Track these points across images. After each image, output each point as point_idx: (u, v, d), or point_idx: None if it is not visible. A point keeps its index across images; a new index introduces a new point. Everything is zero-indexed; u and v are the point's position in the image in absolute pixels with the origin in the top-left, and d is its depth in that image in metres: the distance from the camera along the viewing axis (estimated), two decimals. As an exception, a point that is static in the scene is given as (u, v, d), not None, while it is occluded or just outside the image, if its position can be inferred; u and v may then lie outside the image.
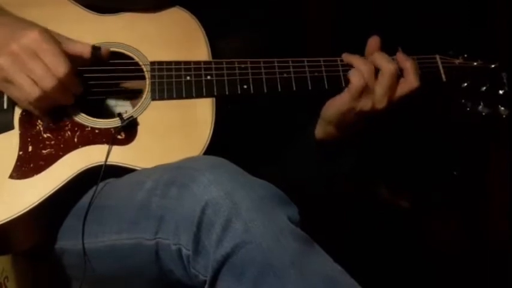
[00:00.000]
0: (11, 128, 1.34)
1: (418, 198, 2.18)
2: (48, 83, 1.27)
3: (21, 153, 1.32)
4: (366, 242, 2.05)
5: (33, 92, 1.28)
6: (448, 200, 2.18)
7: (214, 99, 1.38)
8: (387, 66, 1.40)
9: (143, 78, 1.39)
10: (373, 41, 1.46)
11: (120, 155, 1.34)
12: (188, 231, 1.15)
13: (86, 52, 1.33)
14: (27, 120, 1.34)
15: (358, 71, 1.40)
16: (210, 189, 1.15)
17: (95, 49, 1.34)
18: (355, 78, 1.39)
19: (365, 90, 1.39)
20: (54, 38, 1.30)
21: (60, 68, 1.27)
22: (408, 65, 1.43)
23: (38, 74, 1.27)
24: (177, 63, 1.39)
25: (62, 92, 1.30)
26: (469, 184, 2.16)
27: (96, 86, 1.38)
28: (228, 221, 1.12)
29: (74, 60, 1.31)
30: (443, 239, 2.20)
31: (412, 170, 2.15)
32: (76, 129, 1.35)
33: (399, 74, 1.43)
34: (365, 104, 1.40)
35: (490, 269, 2.12)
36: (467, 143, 2.08)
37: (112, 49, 1.39)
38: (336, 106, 1.42)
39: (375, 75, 1.40)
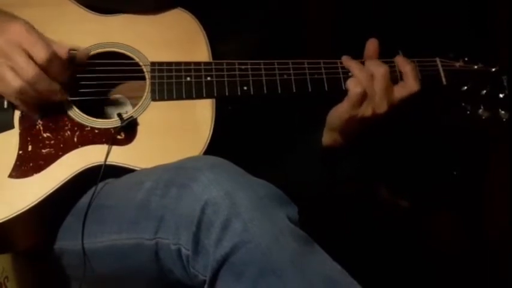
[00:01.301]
0: (11, 127, 1.34)
1: (418, 198, 2.18)
2: (29, 71, 1.27)
3: (20, 152, 1.33)
4: (366, 242, 2.05)
5: (16, 83, 1.27)
6: (448, 200, 2.18)
7: (214, 99, 1.39)
8: (378, 69, 1.41)
9: (143, 78, 1.39)
10: (371, 44, 1.47)
11: (119, 155, 1.34)
12: (188, 231, 1.15)
13: (63, 53, 1.32)
14: (27, 119, 1.34)
15: (355, 78, 1.41)
16: (210, 189, 1.15)
17: (72, 52, 1.33)
18: (353, 86, 1.40)
19: (364, 97, 1.40)
20: (35, 29, 1.29)
21: (40, 53, 1.27)
22: (408, 68, 1.44)
23: (19, 64, 1.27)
24: (177, 63, 1.39)
25: (45, 82, 1.29)
26: (469, 184, 2.16)
27: (96, 86, 1.38)
28: (228, 221, 1.12)
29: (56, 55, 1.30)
30: (443, 239, 2.20)
31: (412, 171, 2.15)
32: (76, 129, 1.35)
33: (398, 76, 1.43)
34: (366, 111, 1.40)
35: (490, 269, 2.12)
36: (467, 143, 2.08)
37: (112, 49, 1.40)
38: (337, 114, 1.42)
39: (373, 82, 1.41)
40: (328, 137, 1.47)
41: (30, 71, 1.27)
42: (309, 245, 1.16)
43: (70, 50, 1.33)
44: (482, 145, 2.11)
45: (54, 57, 1.29)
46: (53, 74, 1.30)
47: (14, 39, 1.27)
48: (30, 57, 1.27)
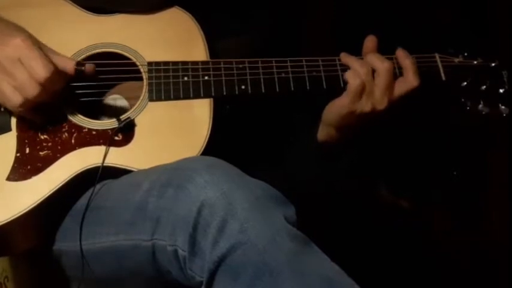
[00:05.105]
0: (8, 129, 1.34)
1: (418, 198, 2.18)
2: (30, 90, 1.27)
3: (18, 155, 1.32)
4: (365, 242, 2.05)
5: (16, 99, 1.28)
6: (448, 200, 2.17)
7: (212, 99, 1.38)
8: (381, 65, 1.40)
9: (141, 79, 1.39)
10: (370, 41, 1.46)
11: (117, 156, 1.33)
12: (184, 232, 1.15)
13: (69, 68, 1.32)
14: (24, 122, 1.34)
15: (355, 71, 1.40)
16: (206, 189, 1.15)
17: (79, 65, 1.32)
18: (352, 79, 1.38)
19: (363, 91, 1.38)
20: (37, 44, 1.29)
21: (41, 71, 1.26)
22: (408, 63, 1.43)
23: (19, 81, 1.27)
24: (175, 63, 1.39)
25: (45, 96, 1.29)
26: (469, 184, 2.16)
27: (93, 87, 1.38)
28: (224, 222, 1.12)
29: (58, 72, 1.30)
30: (442, 239, 2.19)
31: (412, 170, 2.14)
32: (73, 130, 1.35)
33: (397, 72, 1.43)
34: (365, 106, 1.39)
35: (489, 268, 2.12)
36: (467, 142, 2.07)
37: (109, 50, 1.39)
38: (336, 109, 1.41)
39: (373, 77, 1.40)
40: (324, 133, 1.46)
41: (30, 89, 1.27)
42: (306, 246, 1.15)
43: (77, 63, 1.32)
44: (482, 145, 2.10)
45: (53, 75, 1.28)
46: (53, 89, 1.30)
47: (14, 54, 1.27)
48: (30, 73, 1.26)
